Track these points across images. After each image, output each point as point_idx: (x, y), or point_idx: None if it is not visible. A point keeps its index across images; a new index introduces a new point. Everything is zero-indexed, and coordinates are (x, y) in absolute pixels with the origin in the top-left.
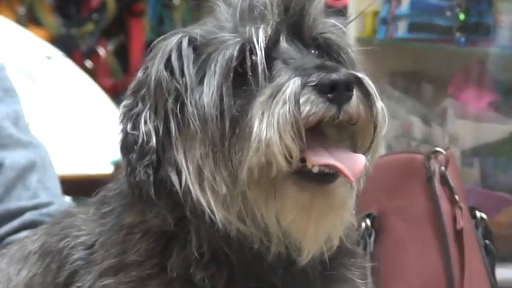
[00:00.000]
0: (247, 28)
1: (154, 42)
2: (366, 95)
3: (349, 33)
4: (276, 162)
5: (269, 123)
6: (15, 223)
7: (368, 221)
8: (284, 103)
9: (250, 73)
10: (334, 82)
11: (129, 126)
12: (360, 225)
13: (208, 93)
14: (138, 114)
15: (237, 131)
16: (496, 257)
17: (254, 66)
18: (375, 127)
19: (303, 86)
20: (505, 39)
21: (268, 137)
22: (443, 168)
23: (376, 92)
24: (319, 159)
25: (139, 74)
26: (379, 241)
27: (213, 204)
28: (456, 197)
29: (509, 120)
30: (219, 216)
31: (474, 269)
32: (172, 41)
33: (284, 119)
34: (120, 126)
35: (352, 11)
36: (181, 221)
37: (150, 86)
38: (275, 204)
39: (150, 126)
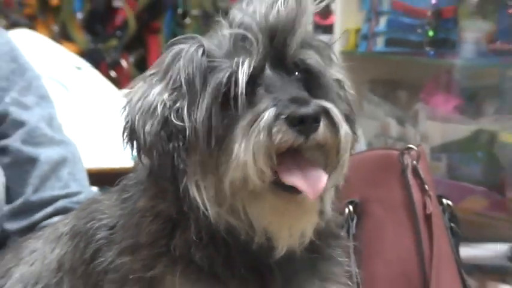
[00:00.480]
0: (236, 59)
1: (177, 38)
2: (332, 123)
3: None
4: (250, 180)
5: (246, 148)
6: (49, 209)
7: (351, 207)
8: (259, 132)
9: (233, 101)
10: (303, 116)
11: (173, 115)
12: (344, 211)
13: (201, 110)
14: (180, 109)
15: (223, 146)
16: (460, 238)
17: (237, 95)
18: (339, 150)
19: (276, 117)
20: (468, 52)
21: (245, 159)
22: (415, 162)
23: (341, 120)
24: (288, 178)
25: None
26: (361, 224)
27: (206, 202)
28: (426, 186)
29: (472, 121)
30: (211, 211)
31: (442, 247)
32: (193, 45)
33: (258, 146)
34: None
35: (337, 29)
36: (182, 210)
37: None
38: (256, 207)
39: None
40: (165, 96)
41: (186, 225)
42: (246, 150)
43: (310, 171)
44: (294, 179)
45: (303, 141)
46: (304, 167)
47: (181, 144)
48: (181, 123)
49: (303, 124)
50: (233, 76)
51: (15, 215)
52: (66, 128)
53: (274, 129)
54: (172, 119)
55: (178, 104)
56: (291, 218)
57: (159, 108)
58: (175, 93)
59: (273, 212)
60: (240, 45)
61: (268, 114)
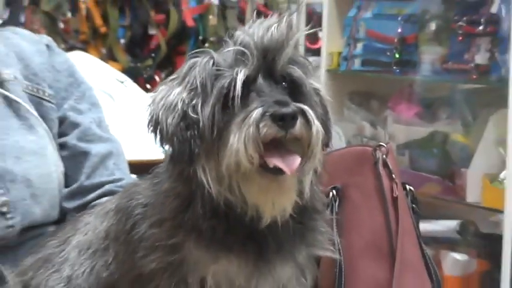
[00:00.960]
0: (236, 69)
1: (193, 52)
2: (307, 122)
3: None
4: (242, 164)
5: (239, 138)
6: (98, 192)
7: (334, 192)
8: (249, 126)
9: (231, 101)
10: (284, 114)
11: (190, 110)
12: (328, 195)
13: (208, 108)
14: (195, 105)
15: (222, 137)
16: (419, 216)
17: (235, 97)
18: (310, 144)
19: (263, 115)
20: (426, 70)
21: (238, 147)
22: (384, 156)
23: (314, 120)
24: (271, 161)
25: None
26: (342, 205)
27: (209, 181)
28: (393, 175)
29: (429, 124)
30: (213, 189)
31: (405, 223)
32: (204, 58)
33: (248, 136)
34: (178, 111)
35: (324, 52)
36: (193, 189)
37: (198, 88)
38: (247, 185)
39: (205, 113)
40: (184, 95)
41: (195, 202)
42: (239, 140)
43: (287, 155)
44: (275, 161)
45: (283, 134)
46: (284, 153)
47: (196, 132)
48: (196, 116)
49: (284, 120)
50: (232, 82)
51: (72, 196)
52: (112, 129)
53: (261, 124)
54: (190, 112)
55: (194, 101)
56: (274, 194)
57: (179, 105)
58: (192, 93)
59: (260, 190)
60: (239, 58)
61: (257, 112)
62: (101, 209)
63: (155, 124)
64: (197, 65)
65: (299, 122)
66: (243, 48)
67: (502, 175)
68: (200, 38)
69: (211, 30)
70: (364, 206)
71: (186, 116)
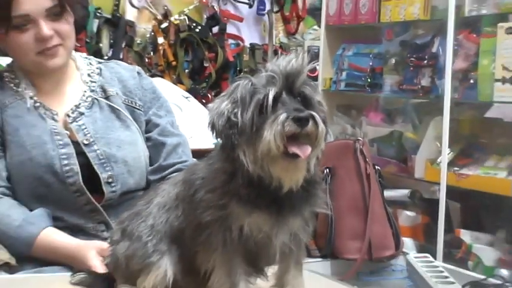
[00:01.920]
0: (268, 88)
1: (237, 77)
2: (315, 123)
3: (319, 87)
4: (272, 150)
5: (270, 133)
6: (171, 169)
7: (327, 170)
8: (277, 125)
9: (265, 109)
10: (300, 117)
11: (232, 116)
12: (323, 172)
13: (249, 113)
14: (235, 113)
15: (258, 132)
16: (384, 186)
17: (267, 106)
18: (317, 137)
19: (286, 118)
20: (387, 90)
21: (269, 139)
22: (361, 147)
23: (320, 121)
24: (291, 148)
25: (235, 91)
26: (332, 179)
27: (248, 162)
28: (367, 159)
29: (390, 126)
30: (250, 167)
31: (374, 191)
32: (245, 80)
33: (276, 132)
34: (225, 116)
35: (320, 78)
36: (235, 167)
37: (238, 101)
38: (274, 166)
39: (246, 118)
40: (228, 106)
41: (237, 176)
42: (270, 134)
43: (302, 145)
44: (294, 149)
45: (299, 131)
46: (300, 143)
47: (235, 131)
48: (236, 120)
49: (300, 122)
50: (266, 97)
51: (154, 172)
52: (180, 128)
53: (285, 124)
54: (232, 117)
55: (235, 110)
56: (292, 172)
57: (226, 113)
58: (234, 104)
59: (282, 168)
60: (270, 80)
61: (282, 116)
62: (173, 180)
63: (212, 125)
64: (240, 85)
65: (310, 123)
66: (273, 74)
67: (438, 160)
68: (238, 69)
69: (245, 64)
70: (347, 180)
71: (230, 120)
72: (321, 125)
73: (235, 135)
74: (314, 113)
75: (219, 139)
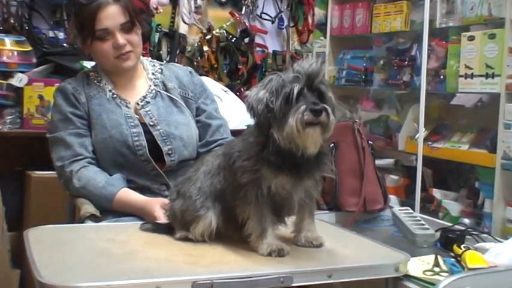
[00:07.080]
0: (294, 84)
1: (269, 73)
2: (327, 114)
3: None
4: (294, 133)
5: (293, 119)
6: (214, 144)
7: (332, 145)
8: (299, 114)
9: (290, 100)
10: (317, 109)
11: (270, 103)
12: (329, 146)
13: (278, 103)
14: (272, 101)
15: (285, 118)
16: (375, 156)
17: (292, 98)
18: (328, 125)
19: (305, 109)
20: (377, 85)
21: (292, 124)
22: (358, 127)
23: (331, 113)
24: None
25: (270, 81)
26: (336, 151)
27: (279, 137)
28: (362, 136)
29: (379, 111)
30: (280, 141)
31: (368, 160)
32: (277, 76)
33: (298, 119)
34: (264, 102)
35: (326, 76)
36: (268, 140)
37: (274, 91)
38: (299, 137)
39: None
40: (266, 95)
41: (268, 147)
42: (293, 120)
43: (316, 129)
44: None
45: (315, 119)
46: (314, 128)
47: (272, 114)
48: (272, 106)
49: (316, 112)
50: (291, 90)
51: (202, 146)
52: (222, 113)
53: (305, 113)
54: (269, 103)
55: (271, 98)
56: (312, 139)
57: (264, 100)
58: (270, 94)
59: (305, 138)
60: (296, 78)
61: (303, 107)
62: (215, 153)
63: (251, 109)
64: (273, 79)
65: (323, 114)
66: (297, 74)
67: (416, 137)
68: (263, 70)
69: (269, 66)
70: (348, 151)
71: (268, 106)
72: (331, 116)
73: (271, 118)
74: (327, 106)
75: (255, 119)
